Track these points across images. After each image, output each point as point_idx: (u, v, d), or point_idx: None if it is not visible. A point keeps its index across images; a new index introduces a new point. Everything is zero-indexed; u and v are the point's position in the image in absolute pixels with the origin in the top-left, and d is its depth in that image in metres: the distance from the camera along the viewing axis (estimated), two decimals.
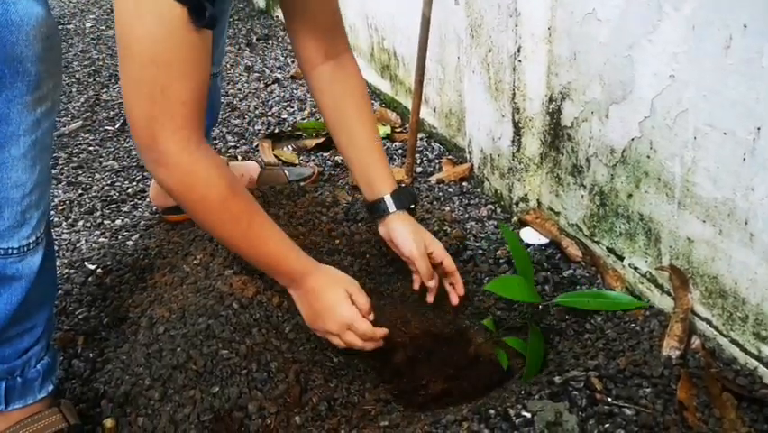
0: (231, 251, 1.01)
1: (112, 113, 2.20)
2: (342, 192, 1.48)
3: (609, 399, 0.92)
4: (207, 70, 0.86)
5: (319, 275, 1.02)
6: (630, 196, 1.09)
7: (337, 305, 1.00)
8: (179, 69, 0.81)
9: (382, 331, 1.04)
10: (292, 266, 1.00)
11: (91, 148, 1.95)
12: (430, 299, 1.16)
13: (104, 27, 3.19)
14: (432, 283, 1.13)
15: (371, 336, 1.02)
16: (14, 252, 0.81)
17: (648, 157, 1.03)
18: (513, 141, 1.32)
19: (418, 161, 1.69)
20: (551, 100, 1.24)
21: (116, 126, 2.09)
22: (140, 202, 1.62)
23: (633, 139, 1.05)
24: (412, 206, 1.16)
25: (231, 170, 0.95)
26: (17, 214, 0.80)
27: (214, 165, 0.89)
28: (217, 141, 1.92)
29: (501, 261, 1.28)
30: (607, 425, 0.87)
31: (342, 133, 1.15)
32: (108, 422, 0.93)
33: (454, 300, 1.15)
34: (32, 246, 0.83)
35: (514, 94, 1.27)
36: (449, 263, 1.14)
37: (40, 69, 0.75)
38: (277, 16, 3.20)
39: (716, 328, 0.99)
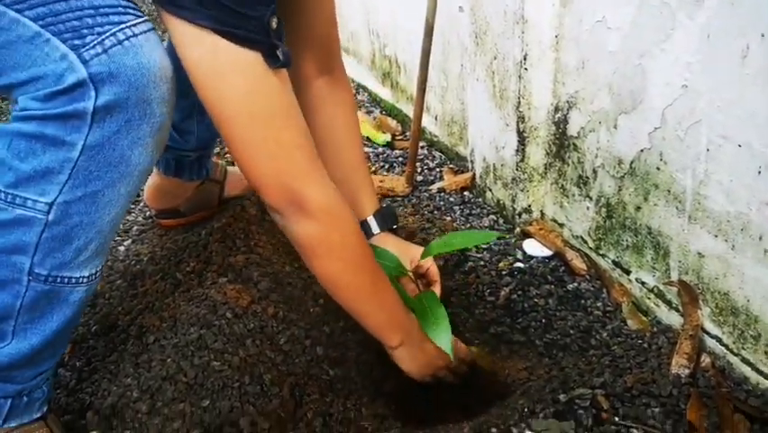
0: (350, 305, 0.92)
1: None
2: None
3: (616, 418, 0.88)
4: (300, 108, 0.83)
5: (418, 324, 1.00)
6: (638, 208, 1.06)
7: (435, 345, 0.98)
8: (282, 116, 0.78)
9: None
10: (404, 315, 0.96)
11: None
12: None
13: None
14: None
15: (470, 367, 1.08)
16: (85, 280, 0.79)
17: (658, 169, 1.00)
18: (517, 150, 1.29)
19: (419, 170, 1.66)
20: (557, 109, 1.21)
21: None
22: (133, 207, 1.58)
23: (642, 150, 1.02)
24: (395, 226, 1.15)
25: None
26: (100, 246, 0.78)
27: (346, 205, 0.87)
28: (217, 145, 1.88)
29: (503, 272, 1.25)
30: None
31: (330, 153, 1.10)
32: None
33: None
34: (98, 275, 0.82)
35: (519, 102, 1.24)
36: (432, 272, 1.13)
37: (164, 111, 0.74)
38: None
39: (726, 346, 0.95)
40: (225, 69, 0.73)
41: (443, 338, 0.96)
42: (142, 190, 1.49)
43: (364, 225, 1.11)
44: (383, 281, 0.93)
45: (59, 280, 0.77)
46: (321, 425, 0.91)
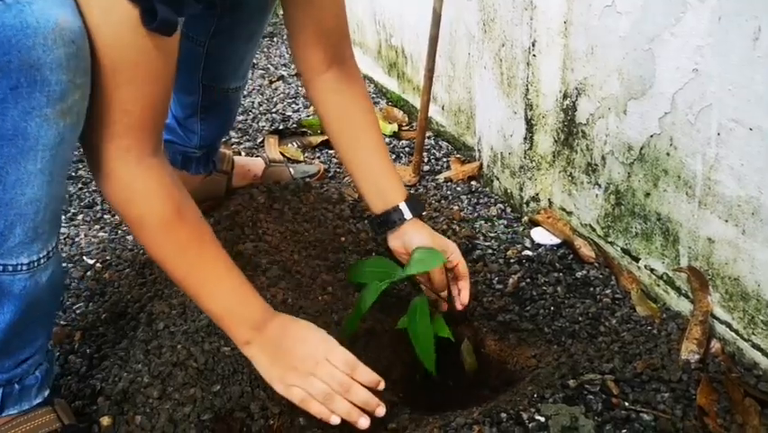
0: (177, 285, 0.87)
1: None
2: (349, 189, 1.45)
3: (626, 403, 0.88)
4: (165, 83, 0.78)
5: (285, 317, 0.89)
6: (648, 195, 1.06)
7: (311, 332, 0.87)
8: (126, 75, 0.73)
9: (372, 375, 0.86)
10: (252, 310, 0.86)
11: None
12: (444, 307, 1.10)
13: None
14: (444, 294, 1.07)
15: (356, 371, 0.85)
16: (24, 268, 0.75)
17: (668, 154, 0.99)
18: (525, 138, 1.29)
19: (426, 160, 1.65)
20: (565, 96, 1.21)
21: None
22: None
23: (652, 136, 1.01)
24: (423, 212, 1.09)
25: (185, 192, 0.85)
26: (29, 230, 0.73)
27: (158, 183, 0.80)
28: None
29: (512, 260, 1.24)
30: (624, 430, 0.84)
31: (348, 144, 1.08)
32: (105, 420, 0.90)
33: (458, 307, 1.09)
34: (42, 262, 0.77)
35: (527, 90, 1.24)
36: (462, 268, 1.07)
37: (62, 79, 0.67)
38: (281, 14, 3.18)
39: (736, 332, 0.95)
40: (94, 7, 0.69)
41: (426, 358, 0.95)
42: None
43: (394, 213, 1.05)
44: (212, 272, 0.85)
45: None
46: None
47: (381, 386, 0.86)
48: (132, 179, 0.79)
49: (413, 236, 1.04)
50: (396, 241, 1.08)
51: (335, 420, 0.83)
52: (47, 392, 0.89)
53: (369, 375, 0.86)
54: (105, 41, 0.70)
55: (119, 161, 0.77)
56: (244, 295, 0.87)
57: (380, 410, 0.84)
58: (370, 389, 0.86)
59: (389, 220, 1.06)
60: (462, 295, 1.08)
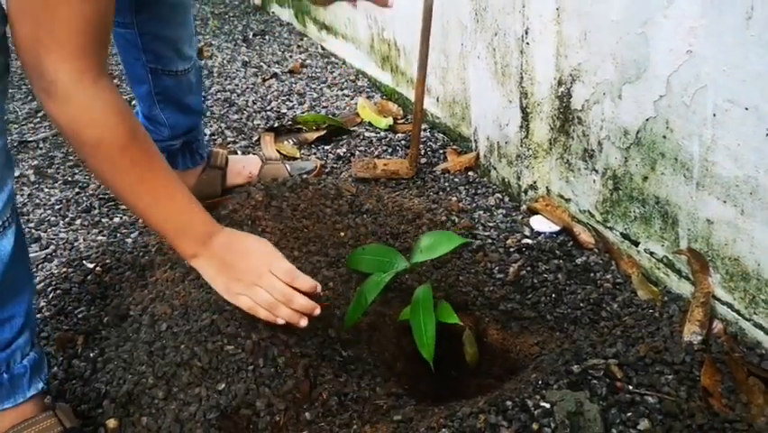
0: (127, 206, 0.91)
1: None
2: (346, 184, 1.45)
3: (631, 387, 0.88)
4: (109, 3, 0.78)
5: (231, 232, 0.95)
6: (645, 178, 1.06)
7: (254, 245, 0.92)
8: None
9: (310, 282, 0.93)
10: (198, 225, 0.91)
11: None
12: None
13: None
14: None
15: (295, 280, 0.91)
16: None
17: (664, 137, 0.99)
18: (521, 127, 1.29)
19: (422, 152, 1.65)
20: (560, 83, 1.20)
21: None
22: None
23: (648, 119, 1.01)
24: None
25: (132, 114, 0.86)
26: None
27: (114, 103, 0.81)
28: (215, 136, 1.88)
29: (511, 249, 1.24)
30: (629, 413, 0.84)
31: None
32: (111, 423, 0.90)
33: None
34: (0, 230, 0.80)
35: (521, 78, 1.24)
36: None
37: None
38: (273, 12, 3.16)
39: (738, 312, 0.95)
40: None
41: (426, 350, 0.98)
42: None
43: None
44: (161, 189, 0.88)
45: None
46: (337, 404, 0.92)
47: (318, 289, 0.96)
48: (91, 100, 0.79)
49: None
50: None
51: (281, 321, 0.93)
52: (41, 385, 0.89)
53: (307, 283, 0.94)
54: None
55: (77, 84, 0.77)
56: (192, 211, 0.91)
57: (316, 311, 0.94)
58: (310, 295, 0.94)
59: None
60: None
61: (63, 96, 0.77)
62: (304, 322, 0.92)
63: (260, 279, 0.91)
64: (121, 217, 1.50)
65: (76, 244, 1.40)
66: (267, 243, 0.94)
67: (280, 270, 0.92)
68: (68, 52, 0.76)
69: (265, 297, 0.91)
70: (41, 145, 1.92)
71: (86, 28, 0.76)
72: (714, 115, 0.89)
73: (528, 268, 1.20)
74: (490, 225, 1.32)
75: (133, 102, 1.55)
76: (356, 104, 1.98)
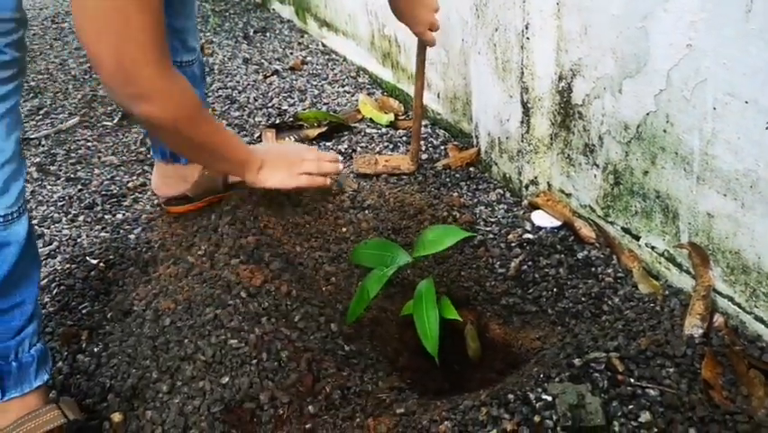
0: (207, 156, 1.12)
1: (109, 108, 2.16)
2: (348, 180, 1.45)
3: (632, 380, 0.89)
4: (161, 4, 0.87)
5: (256, 147, 1.24)
6: (646, 173, 1.06)
7: (282, 143, 1.30)
8: (136, 2, 0.82)
9: (333, 155, 1.32)
10: (247, 147, 1.20)
11: (89, 144, 1.92)
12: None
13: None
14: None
15: (322, 154, 1.29)
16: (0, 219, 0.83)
17: (665, 131, 1.00)
18: (522, 122, 1.29)
19: (423, 148, 1.65)
20: (561, 78, 1.21)
21: (114, 121, 2.05)
22: (141, 196, 1.59)
23: (648, 113, 1.02)
24: None
25: None
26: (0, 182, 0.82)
27: (187, 84, 0.97)
28: None
29: (513, 244, 1.25)
30: (631, 406, 0.85)
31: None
32: (116, 416, 0.91)
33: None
34: (15, 215, 0.84)
35: (522, 73, 1.24)
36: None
37: (16, 56, 0.81)
38: (273, 9, 3.17)
39: (738, 305, 0.96)
40: None
41: (429, 343, 0.99)
42: (149, 180, 1.50)
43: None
44: (225, 140, 1.11)
45: None
46: (340, 397, 0.92)
47: (339, 158, 1.34)
48: (177, 87, 0.95)
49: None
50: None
51: (328, 181, 1.30)
52: (46, 377, 0.91)
53: (332, 156, 1.34)
54: None
55: (165, 79, 0.91)
56: (239, 141, 1.23)
57: (339, 165, 1.34)
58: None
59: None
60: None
61: (156, 90, 0.90)
62: (339, 166, 1.33)
63: (303, 160, 1.24)
64: (123, 214, 1.50)
65: (79, 240, 1.41)
66: (287, 142, 1.28)
67: (310, 150, 1.31)
68: (151, 56, 0.87)
69: (311, 167, 1.25)
70: (42, 142, 1.92)
71: (159, 31, 0.87)
72: (714, 108, 0.89)
73: (530, 263, 1.20)
74: (492, 220, 1.33)
75: None
76: (357, 100, 1.98)
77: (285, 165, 1.22)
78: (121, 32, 0.83)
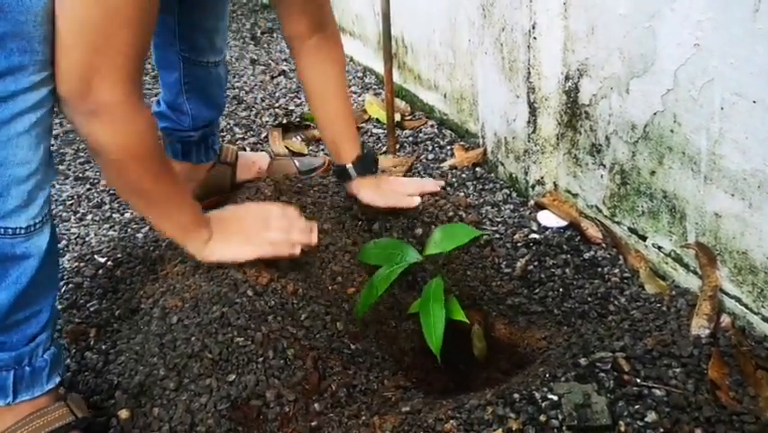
0: (144, 206, 1.00)
1: None
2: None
3: (638, 380, 0.89)
4: (151, 25, 0.85)
5: (212, 212, 1.08)
6: (653, 173, 1.06)
7: (240, 207, 1.11)
8: (128, 16, 0.79)
9: (303, 221, 1.12)
10: (198, 215, 1.04)
11: None
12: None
13: None
14: (408, 201, 1.30)
15: (293, 217, 1.10)
16: (22, 231, 0.81)
17: (672, 131, 0.99)
18: (528, 122, 1.29)
19: (430, 149, 1.66)
20: (567, 78, 1.21)
21: None
22: None
23: (655, 113, 1.02)
24: (374, 171, 1.30)
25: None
26: (24, 193, 0.80)
27: (150, 119, 0.91)
28: (224, 133, 1.90)
29: (519, 244, 1.25)
30: (637, 406, 0.84)
31: (317, 104, 1.28)
32: (123, 413, 0.91)
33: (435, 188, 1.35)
34: (38, 226, 0.82)
35: (529, 73, 1.24)
36: (430, 185, 1.34)
37: (46, 51, 0.77)
38: None
39: (745, 306, 0.95)
40: None
41: (434, 342, 0.99)
42: None
43: (345, 171, 1.28)
44: (174, 194, 0.99)
45: None
46: (345, 396, 0.92)
47: (315, 228, 1.14)
48: (136, 116, 0.87)
49: (360, 189, 1.29)
50: (350, 190, 1.31)
51: (298, 250, 1.09)
52: (58, 379, 0.90)
53: (307, 224, 1.13)
54: None
55: (125, 104, 0.84)
56: (192, 204, 1.03)
57: (314, 236, 1.13)
58: None
59: (343, 175, 1.31)
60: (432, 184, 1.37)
61: (112, 116, 0.84)
62: (314, 238, 1.11)
63: (266, 227, 1.07)
64: (131, 213, 1.51)
65: (87, 238, 1.42)
66: (245, 203, 1.12)
67: (278, 214, 1.10)
68: (120, 77, 0.82)
69: (277, 236, 1.07)
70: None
71: (137, 54, 0.83)
72: (722, 108, 0.89)
73: (536, 263, 1.20)
74: (498, 220, 1.33)
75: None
76: (363, 101, 1.99)
77: (243, 232, 1.06)
78: (98, 45, 0.78)
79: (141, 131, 0.88)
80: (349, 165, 1.27)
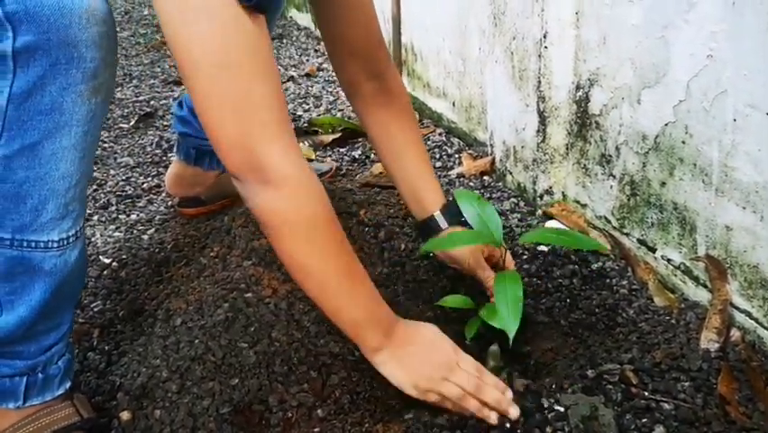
0: (319, 296, 0.82)
1: (126, 111, 2.19)
2: (356, 197, 1.45)
3: (646, 393, 0.87)
4: (276, 64, 0.77)
5: (408, 322, 0.88)
6: (663, 184, 1.05)
7: (437, 338, 0.86)
8: (252, 68, 0.72)
9: (495, 379, 0.87)
10: (385, 313, 0.84)
11: (106, 145, 1.94)
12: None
13: (117, 29, 3.20)
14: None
15: (483, 376, 0.85)
16: (55, 245, 0.77)
17: (683, 142, 0.99)
18: (538, 131, 1.29)
19: (437, 156, 1.65)
20: (578, 87, 1.20)
21: (130, 124, 2.07)
22: (155, 197, 1.60)
23: (667, 124, 1.01)
24: (463, 219, 1.08)
25: None
26: (61, 206, 0.75)
27: (317, 180, 0.78)
28: None
29: (526, 255, 1.24)
30: (644, 419, 0.83)
31: (390, 155, 1.11)
32: (125, 415, 0.90)
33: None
34: (71, 240, 0.78)
35: (539, 82, 1.24)
36: (508, 261, 1.10)
37: (96, 56, 0.70)
38: (290, 17, 3.19)
39: (756, 320, 0.94)
40: (191, 11, 0.68)
41: (510, 324, 0.87)
42: (164, 182, 1.51)
43: (432, 221, 1.09)
44: (359, 272, 0.82)
45: (25, 244, 0.75)
46: (349, 402, 0.91)
47: (508, 394, 0.86)
48: (302, 175, 0.76)
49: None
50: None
51: (494, 418, 0.84)
52: (68, 384, 0.89)
53: (495, 380, 0.87)
54: (217, 38, 0.70)
55: (287, 163, 0.74)
56: (379, 297, 0.84)
57: (513, 412, 0.84)
58: None
59: (429, 228, 1.11)
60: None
61: (281, 179, 0.74)
62: (494, 417, 0.84)
63: (451, 374, 0.84)
64: (138, 214, 1.51)
65: (93, 239, 1.42)
66: (443, 334, 0.88)
67: (471, 365, 0.86)
68: (273, 132, 0.74)
69: (456, 391, 0.84)
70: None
71: (278, 103, 0.75)
72: (734, 120, 0.88)
73: (543, 273, 1.19)
74: (505, 229, 1.32)
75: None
76: None
77: (423, 366, 0.84)
78: (241, 106, 0.72)
79: (317, 187, 0.78)
80: (437, 213, 1.09)
